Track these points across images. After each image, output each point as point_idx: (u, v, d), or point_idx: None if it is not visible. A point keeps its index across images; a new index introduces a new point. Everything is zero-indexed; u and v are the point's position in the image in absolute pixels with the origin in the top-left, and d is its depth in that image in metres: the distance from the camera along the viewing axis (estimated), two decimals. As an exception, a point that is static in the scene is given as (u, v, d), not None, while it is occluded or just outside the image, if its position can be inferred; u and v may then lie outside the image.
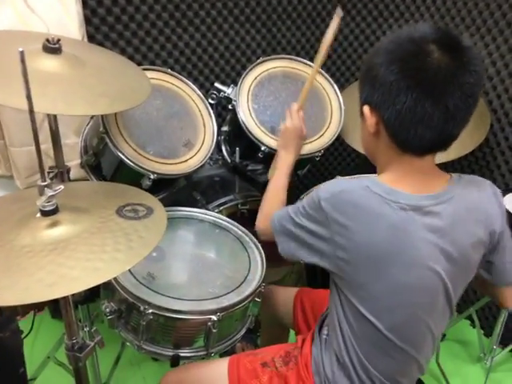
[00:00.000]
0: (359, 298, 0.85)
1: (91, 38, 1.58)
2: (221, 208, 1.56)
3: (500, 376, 1.76)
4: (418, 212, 0.79)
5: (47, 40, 1.01)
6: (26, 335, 1.60)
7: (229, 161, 1.69)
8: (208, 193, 1.67)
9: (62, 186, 0.76)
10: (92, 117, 1.41)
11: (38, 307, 1.84)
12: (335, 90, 1.65)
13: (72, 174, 1.41)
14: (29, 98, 0.71)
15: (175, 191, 1.53)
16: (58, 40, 1.02)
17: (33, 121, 0.73)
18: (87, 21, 1.54)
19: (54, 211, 0.78)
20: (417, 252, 0.80)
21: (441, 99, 0.75)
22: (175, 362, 1.12)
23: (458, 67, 0.74)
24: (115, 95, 1.02)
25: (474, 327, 1.96)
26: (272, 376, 0.99)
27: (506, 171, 1.75)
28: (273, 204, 1.13)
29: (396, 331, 0.86)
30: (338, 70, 2.18)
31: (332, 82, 1.65)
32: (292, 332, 1.46)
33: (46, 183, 0.77)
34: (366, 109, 0.83)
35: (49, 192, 0.75)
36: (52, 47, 1.01)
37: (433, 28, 0.77)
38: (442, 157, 0.94)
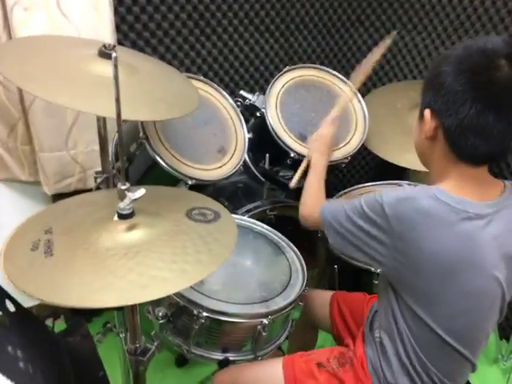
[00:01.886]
0: (420, 304, 0.87)
1: (120, 45, 1.58)
2: (249, 214, 1.57)
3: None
4: (482, 220, 0.82)
5: (104, 46, 1.02)
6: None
7: (252, 168, 1.71)
8: (234, 199, 1.69)
9: (143, 190, 0.77)
10: (122, 123, 1.42)
11: (55, 315, 1.81)
12: (359, 99, 1.69)
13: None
14: (117, 101, 0.72)
15: (202, 197, 1.54)
16: (114, 46, 1.03)
17: (119, 125, 0.74)
18: (116, 28, 1.55)
19: (132, 215, 0.79)
20: (482, 260, 0.83)
21: (504, 114, 0.78)
22: (224, 365, 1.12)
23: None
24: (172, 101, 1.03)
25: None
26: (329, 376, 1.00)
27: None
28: (316, 196, 1.17)
29: (457, 336, 0.88)
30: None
31: (355, 90, 1.69)
32: (320, 337, 1.49)
33: (126, 187, 0.78)
34: (428, 113, 0.85)
35: (132, 195, 0.76)
36: (108, 53, 1.02)
37: (505, 42, 0.79)
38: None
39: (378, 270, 1.32)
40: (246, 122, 1.70)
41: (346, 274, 1.47)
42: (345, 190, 1.75)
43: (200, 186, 1.47)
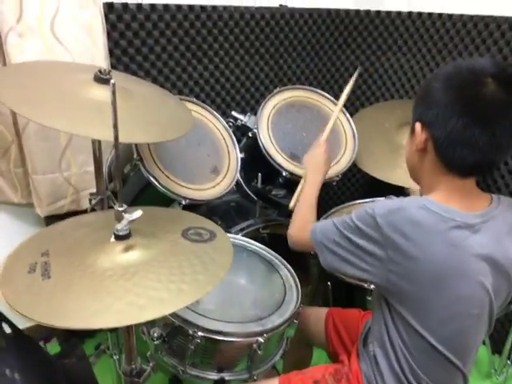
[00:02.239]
0: (411, 312, 0.90)
1: (113, 69, 1.61)
2: (243, 233, 1.59)
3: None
4: (470, 230, 0.85)
5: (99, 71, 1.04)
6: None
7: (245, 187, 1.74)
8: (226, 218, 1.70)
9: (140, 211, 0.78)
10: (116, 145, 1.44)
11: (47, 337, 1.79)
12: (347, 118, 1.73)
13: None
14: (115, 127, 0.74)
15: (195, 217, 1.56)
16: (110, 71, 1.05)
17: (116, 147, 0.76)
18: (109, 52, 1.58)
19: (128, 235, 0.80)
20: (470, 268, 0.86)
21: (490, 128, 0.82)
22: (219, 386, 1.12)
23: (511, 102, 0.81)
24: (165, 124, 1.06)
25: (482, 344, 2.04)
26: None
27: (505, 172, 1.82)
28: (307, 215, 1.18)
29: (446, 344, 0.90)
30: (348, 100, 2.27)
31: (344, 110, 1.74)
32: (315, 354, 1.49)
33: (123, 208, 0.79)
34: (418, 126, 0.90)
35: (129, 217, 0.77)
36: (103, 78, 1.05)
37: (493, 62, 0.84)
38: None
39: (372, 287, 1.33)
40: (238, 142, 1.73)
41: (339, 290, 1.49)
42: (336, 208, 1.78)
43: (193, 206, 1.49)
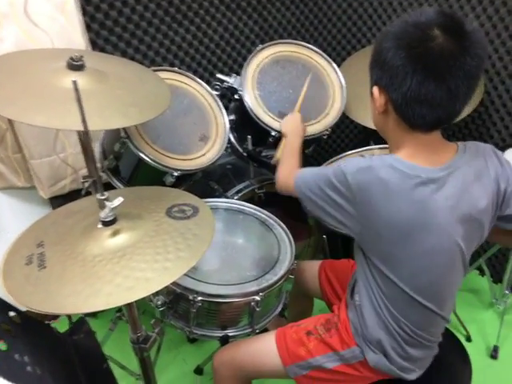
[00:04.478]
0: (385, 264, 0.94)
1: (93, 44, 1.61)
2: (239, 195, 1.64)
3: (512, 318, 1.90)
4: (435, 184, 0.87)
5: (71, 58, 1.05)
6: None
7: (239, 148, 1.76)
8: (223, 181, 1.75)
9: (121, 198, 0.83)
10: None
11: (54, 316, 1.87)
12: (334, 69, 1.70)
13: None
14: (84, 121, 0.77)
15: (192, 183, 1.60)
16: (81, 56, 1.06)
17: (87, 142, 0.79)
18: (87, 27, 1.57)
19: (114, 221, 0.85)
20: (436, 220, 0.88)
21: (444, 82, 0.81)
22: (225, 341, 1.22)
23: (461, 51, 0.80)
24: (142, 104, 1.07)
25: (483, 276, 2.11)
26: (317, 342, 1.09)
27: (501, 127, 1.84)
28: (291, 166, 1.23)
29: (421, 293, 0.95)
30: (334, 50, 2.23)
31: (330, 60, 1.70)
32: (316, 304, 1.58)
33: (105, 197, 0.83)
34: (376, 90, 0.91)
35: (110, 205, 0.82)
36: (76, 64, 1.06)
37: (437, 12, 0.82)
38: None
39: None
40: (228, 103, 1.74)
41: (335, 242, 1.54)
42: (330, 160, 1.80)
43: (188, 174, 1.53)
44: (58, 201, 1.68)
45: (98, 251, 0.82)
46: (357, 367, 1.06)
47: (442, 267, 0.94)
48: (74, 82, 0.73)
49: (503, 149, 1.73)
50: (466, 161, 0.91)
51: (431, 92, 0.82)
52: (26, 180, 1.68)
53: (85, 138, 1.15)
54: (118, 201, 0.83)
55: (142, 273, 0.78)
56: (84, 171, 1.65)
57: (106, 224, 0.85)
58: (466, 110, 1.64)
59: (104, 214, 0.82)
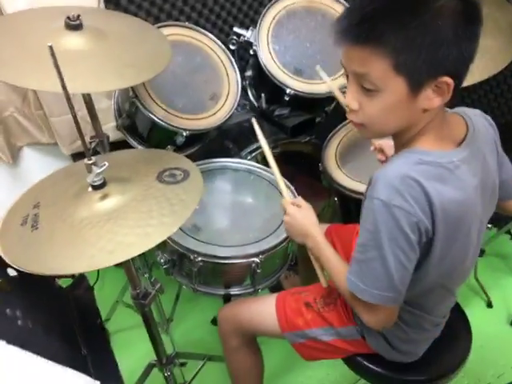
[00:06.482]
0: None
1: (106, 2, 1.58)
2: (253, 154, 1.62)
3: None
4: (465, 163, 0.79)
5: (68, 18, 1.04)
6: (94, 283, 1.79)
7: (256, 105, 1.72)
8: (240, 140, 1.72)
9: (106, 163, 0.84)
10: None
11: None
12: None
13: (111, 137, 1.50)
14: (64, 87, 0.77)
15: (208, 142, 1.59)
16: (78, 16, 1.05)
17: (71, 107, 0.79)
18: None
19: (103, 185, 0.87)
20: (470, 200, 0.81)
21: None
22: (227, 299, 1.25)
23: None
24: (141, 64, 1.06)
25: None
26: (315, 316, 1.09)
27: None
28: (337, 269, 0.97)
29: (442, 277, 0.88)
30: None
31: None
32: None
33: (92, 161, 0.85)
34: (448, 79, 0.72)
35: (96, 169, 0.83)
36: (74, 24, 1.05)
37: None
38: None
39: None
40: (244, 58, 1.68)
41: (348, 205, 1.50)
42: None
43: (202, 133, 1.52)
44: (79, 157, 1.73)
45: (86, 214, 0.85)
46: (353, 344, 1.06)
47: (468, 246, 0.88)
48: (50, 47, 0.72)
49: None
50: (476, 130, 0.84)
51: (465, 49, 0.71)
52: (50, 136, 1.74)
53: (88, 98, 1.16)
54: (103, 166, 0.84)
55: (124, 237, 0.80)
56: (105, 127, 1.69)
57: (96, 188, 0.87)
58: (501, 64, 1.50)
59: (90, 179, 0.84)
